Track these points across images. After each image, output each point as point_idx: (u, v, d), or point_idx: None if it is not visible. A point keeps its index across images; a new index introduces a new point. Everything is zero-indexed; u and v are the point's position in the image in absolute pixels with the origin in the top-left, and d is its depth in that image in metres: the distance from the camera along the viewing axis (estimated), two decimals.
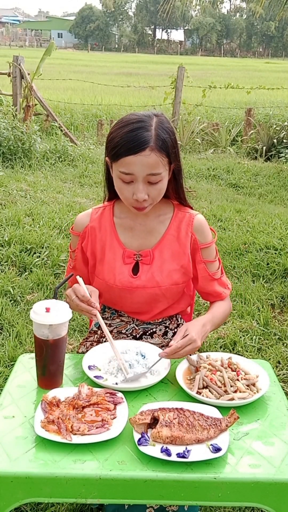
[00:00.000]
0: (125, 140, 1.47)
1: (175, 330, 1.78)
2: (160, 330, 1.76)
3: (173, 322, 1.79)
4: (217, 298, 1.75)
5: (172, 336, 1.77)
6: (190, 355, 1.53)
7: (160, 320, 1.76)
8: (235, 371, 1.44)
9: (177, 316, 1.80)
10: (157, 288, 1.65)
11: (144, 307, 1.70)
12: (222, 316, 1.70)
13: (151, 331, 1.75)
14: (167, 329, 1.77)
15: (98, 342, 1.77)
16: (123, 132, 1.49)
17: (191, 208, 1.72)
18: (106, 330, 1.52)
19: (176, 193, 1.68)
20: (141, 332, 1.74)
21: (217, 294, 1.74)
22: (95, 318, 1.49)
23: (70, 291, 1.52)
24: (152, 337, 1.74)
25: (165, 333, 1.76)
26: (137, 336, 1.73)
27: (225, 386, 1.38)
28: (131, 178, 1.50)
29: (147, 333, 1.74)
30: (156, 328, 1.75)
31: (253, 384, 1.41)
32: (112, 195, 1.72)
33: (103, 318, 1.81)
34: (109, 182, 1.69)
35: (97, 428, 1.22)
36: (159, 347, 1.62)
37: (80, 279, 1.54)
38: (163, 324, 1.76)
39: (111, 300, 1.73)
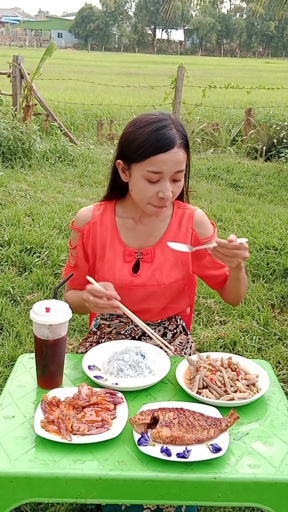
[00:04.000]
0: (153, 139, 1.47)
1: (174, 331, 1.78)
2: (159, 331, 1.75)
3: (172, 323, 1.78)
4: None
5: (172, 337, 1.77)
6: (189, 355, 1.53)
7: (159, 321, 1.76)
8: (235, 371, 1.44)
9: (176, 317, 1.80)
10: (156, 286, 1.65)
11: (143, 305, 1.69)
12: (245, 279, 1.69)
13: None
14: (166, 330, 1.77)
15: (98, 342, 1.77)
16: (147, 131, 1.49)
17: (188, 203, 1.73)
18: (133, 317, 1.52)
19: (181, 192, 1.68)
20: (140, 333, 1.74)
21: (225, 276, 1.72)
22: (119, 310, 1.47)
23: (86, 295, 1.48)
24: (151, 338, 1.74)
25: (164, 334, 1.76)
26: (136, 337, 1.73)
27: (225, 386, 1.38)
28: (159, 177, 1.50)
29: (146, 334, 1.74)
30: (155, 329, 1.75)
31: (253, 384, 1.41)
32: (114, 196, 1.71)
33: (102, 319, 1.81)
34: (115, 185, 1.67)
35: (97, 428, 1.22)
36: (158, 348, 1.62)
37: (90, 279, 1.51)
38: (162, 325, 1.76)
39: None
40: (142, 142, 1.48)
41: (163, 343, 1.53)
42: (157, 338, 1.53)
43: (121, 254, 1.66)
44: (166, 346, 1.53)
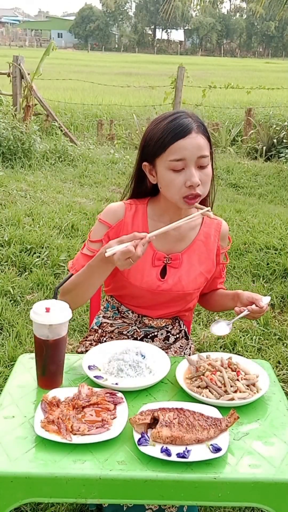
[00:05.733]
0: (169, 129, 1.50)
1: (177, 335, 1.78)
2: (161, 334, 1.75)
3: (175, 328, 1.78)
4: (213, 288, 1.84)
5: (174, 341, 1.77)
6: (190, 354, 1.53)
7: (163, 324, 1.76)
8: (235, 371, 1.44)
9: (180, 322, 1.80)
10: (181, 292, 1.66)
11: (161, 305, 1.71)
12: None
13: (152, 334, 1.74)
14: (169, 333, 1.77)
15: (98, 341, 1.77)
16: (163, 124, 1.52)
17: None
18: (163, 229, 1.49)
19: (208, 195, 1.68)
20: (142, 335, 1.74)
21: (215, 287, 1.84)
22: (150, 237, 1.43)
23: (116, 255, 1.40)
24: (153, 341, 1.74)
25: (166, 338, 1.76)
26: (138, 338, 1.73)
27: (225, 386, 1.38)
28: (183, 164, 1.50)
29: (148, 336, 1.74)
30: (157, 332, 1.75)
31: (253, 384, 1.41)
32: (135, 196, 1.70)
33: (104, 317, 1.81)
34: (139, 189, 1.67)
35: (97, 428, 1.22)
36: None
37: (110, 252, 1.43)
38: (165, 329, 1.76)
39: (131, 294, 1.72)
40: (160, 135, 1.51)
41: (198, 208, 1.55)
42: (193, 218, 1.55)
43: (150, 258, 1.65)
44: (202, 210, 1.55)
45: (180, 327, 1.80)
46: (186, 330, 1.84)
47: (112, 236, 1.63)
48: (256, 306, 1.56)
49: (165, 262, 1.66)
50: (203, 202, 1.70)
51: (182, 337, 1.81)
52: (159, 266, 1.65)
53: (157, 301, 1.69)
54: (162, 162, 1.52)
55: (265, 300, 1.58)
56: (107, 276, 1.57)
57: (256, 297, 1.58)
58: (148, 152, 1.55)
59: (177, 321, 1.79)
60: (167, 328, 1.77)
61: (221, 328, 1.61)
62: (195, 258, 1.68)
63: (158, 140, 1.51)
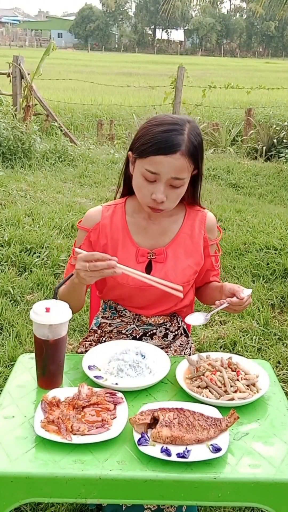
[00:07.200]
0: (158, 139, 1.48)
1: (176, 332, 1.78)
2: (160, 332, 1.75)
3: (173, 325, 1.78)
4: (206, 281, 1.81)
5: (173, 338, 1.77)
6: (189, 355, 1.53)
7: (161, 322, 1.76)
8: (235, 371, 1.44)
9: (178, 318, 1.80)
10: None
11: (154, 304, 1.70)
12: None
13: (151, 332, 1.74)
14: (168, 331, 1.76)
15: (98, 341, 1.77)
16: (157, 131, 1.50)
17: (200, 206, 1.74)
18: (134, 272, 1.50)
19: (192, 198, 1.69)
20: (141, 333, 1.74)
21: (208, 280, 1.81)
22: (118, 269, 1.42)
23: (79, 264, 1.42)
24: (152, 339, 1.74)
25: (165, 335, 1.76)
26: (137, 337, 1.73)
27: (225, 386, 1.38)
28: (155, 178, 1.51)
29: (147, 334, 1.74)
30: (156, 330, 1.75)
31: (253, 384, 1.41)
32: (126, 191, 1.72)
33: (103, 318, 1.81)
34: (126, 177, 1.68)
35: (97, 428, 1.22)
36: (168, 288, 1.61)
37: (79, 250, 1.48)
38: (164, 326, 1.76)
39: (120, 296, 1.73)
40: (148, 139, 1.50)
41: (169, 286, 1.53)
42: (162, 284, 1.53)
43: (133, 255, 1.66)
44: (174, 289, 1.53)
45: (179, 324, 1.80)
46: (185, 327, 1.83)
47: (93, 239, 1.68)
48: (237, 298, 1.53)
49: (149, 257, 1.66)
50: (194, 201, 1.71)
51: (181, 334, 1.81)
52: (144, 262, 1.66)
53: (149, 299, 1.69)
54: (139, 165, 1.54)
55: (246, 292, 1.54)
56: (84, 288, 1.61)
57: (237, 289, 1.56)
58: (135, 147, 1.56)
59: (175, 317, 1.79)
60: (166, 325, 1.76)
61: (196, 318, 1.59)
62: (181, 252, 1.67)
63: (144, 144, 1.51)
